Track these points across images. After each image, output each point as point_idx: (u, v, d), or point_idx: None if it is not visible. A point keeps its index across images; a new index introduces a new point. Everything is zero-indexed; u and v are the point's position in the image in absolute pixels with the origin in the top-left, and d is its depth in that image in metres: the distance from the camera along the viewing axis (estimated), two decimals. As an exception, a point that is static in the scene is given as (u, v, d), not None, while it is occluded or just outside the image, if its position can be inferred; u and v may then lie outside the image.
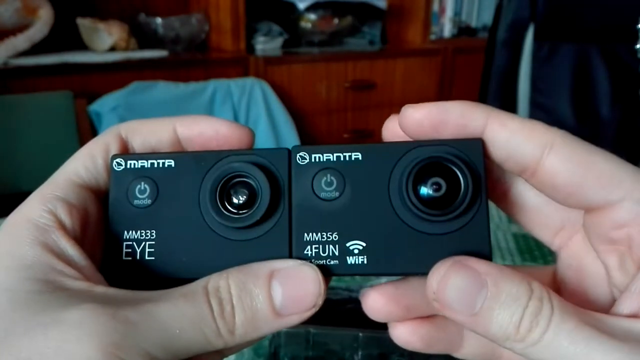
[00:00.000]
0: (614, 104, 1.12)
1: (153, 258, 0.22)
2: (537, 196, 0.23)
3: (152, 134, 0.24)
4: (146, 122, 0.24)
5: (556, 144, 0.20)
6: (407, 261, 0.21)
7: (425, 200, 0.21)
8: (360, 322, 0.40)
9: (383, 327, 0.24)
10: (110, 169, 0.23)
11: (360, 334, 0.39)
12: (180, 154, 0.23)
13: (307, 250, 0.21)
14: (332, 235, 0.21)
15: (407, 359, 0.39)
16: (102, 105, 1.34)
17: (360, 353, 0.39)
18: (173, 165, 0.22)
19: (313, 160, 0.22)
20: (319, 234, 0.21)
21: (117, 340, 0.17)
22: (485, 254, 0.20)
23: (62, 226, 0.20)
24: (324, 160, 0.22)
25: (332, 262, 0.21)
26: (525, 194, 0.23)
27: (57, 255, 0.20)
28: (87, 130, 1.34)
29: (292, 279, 0.20)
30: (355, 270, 0.21)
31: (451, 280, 0.19)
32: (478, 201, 0.21)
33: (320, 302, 0.21)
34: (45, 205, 0.21)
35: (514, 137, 0.20)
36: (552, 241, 0.24)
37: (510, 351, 0.19)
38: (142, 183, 0.22)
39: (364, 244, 0.21)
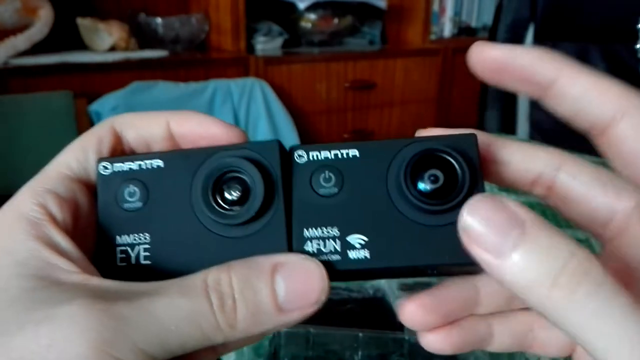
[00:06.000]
0: (614, 104, 1.11)
1: (149, 262, 0.21)
2: (582, 186, 0.22)
3: (145, 128, 0.23)
4: (140, 115, 0.24)
5: (629, 111, 0.19)
6: (411, 254, 0.21)
7: (424, 193, 0.20)
8: (360, 322, 0.40)
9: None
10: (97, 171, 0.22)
11: (360, 334, 0.39)
12: (169, 153, 0.22)
13: (308, 246, 0.21)
14: (332, 230, 0.21)
15: (407, 359, 0.39)
16: (102, 105, 1.34)
17: (360, 353, 0.39)
18: (162, 166, 0.22)
19: (311, 158, 0.22)
20: (319, 229, 0.21)
21: (109, 337, 0.17)
22: None
23: (53, 219, 0.20)
24: (322, 158, 0.22)
25: (334, 258, 0.21)
26: (569, 185, 0.23)
27: (50, 249, 0.19)
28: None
29: (296, 273, 0.20)
30: (358, 264, 0.21)
31: (484, 211, 0.17)
32: (476, 189, 0.21)
33: (323, 298, 0.20)
34: (36, 199, 0.20)
35: (584, 96, 0.20)
36: (602, 232, 0.23)
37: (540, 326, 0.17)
38: (131, 185, 0.22)
39: (366, 238, 0.21)
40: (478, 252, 0.18)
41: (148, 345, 0.18)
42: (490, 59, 0.21)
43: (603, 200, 0.22)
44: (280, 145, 0.22)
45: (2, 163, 1.24)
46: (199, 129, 0.23)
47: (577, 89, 0.20)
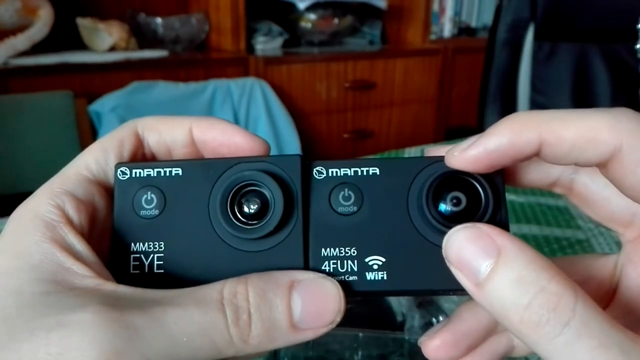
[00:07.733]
0: (614, 104, 1.12)
1: (162, 271, 0.21)
2: (600, 188, 0.22)
3: (168, 132, 0.23)
4: (164, 119, 0.23)
5: (623, 149, 0.18)
6: (428, 278, 0.20)
7: (446, 216, 0.20)
8: (360, 322, 0.40)
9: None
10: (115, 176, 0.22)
11: (360, 334, 0.39)
12: (188, 162, 0.22)
13: (325, 266, 0.21)
14: (350, 250, 0.21)
15: (407, 359, 0.39)
16: (102, 105, 1.34)
17: (360, 353, 0.39)
18: (180, 174, 0.22)
19: (330, 174, 0.21)
20: (337, 249, 0.21)
21: (119, 348, 0.17)
22: None
23: (69, 222, 0.20)
24: (342, 174, 0.21)
25: (351, 278, 0.21)
26: (587, 187, 0.23)
27: (65, 252, 0.19)
28: (87, 130, 1.34)
29: (313, 292, 0.20)
30: (375, 286, 0.21)
31: (460, 241, 0.18)
32: (499, 215, 0.20)
33: (338, 319, 0.20)
34: (53, 200, 0.20)
35: (574, 148, 0.19)
36: (623, 232, 0.23)
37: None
38: (149, 192, 0.22)
39: (384, 259, 0.21)
40: (460, 280, 0.18)
41: (158, 357, 0.17)
42: (472, 159, 0.20)
43: (621, 203, 0.22)
44: (302, 160, 0.21)
45: (2, 163, 1.24)
46: (222, 137, 0.23)
47: (564, 145, 0.19)
